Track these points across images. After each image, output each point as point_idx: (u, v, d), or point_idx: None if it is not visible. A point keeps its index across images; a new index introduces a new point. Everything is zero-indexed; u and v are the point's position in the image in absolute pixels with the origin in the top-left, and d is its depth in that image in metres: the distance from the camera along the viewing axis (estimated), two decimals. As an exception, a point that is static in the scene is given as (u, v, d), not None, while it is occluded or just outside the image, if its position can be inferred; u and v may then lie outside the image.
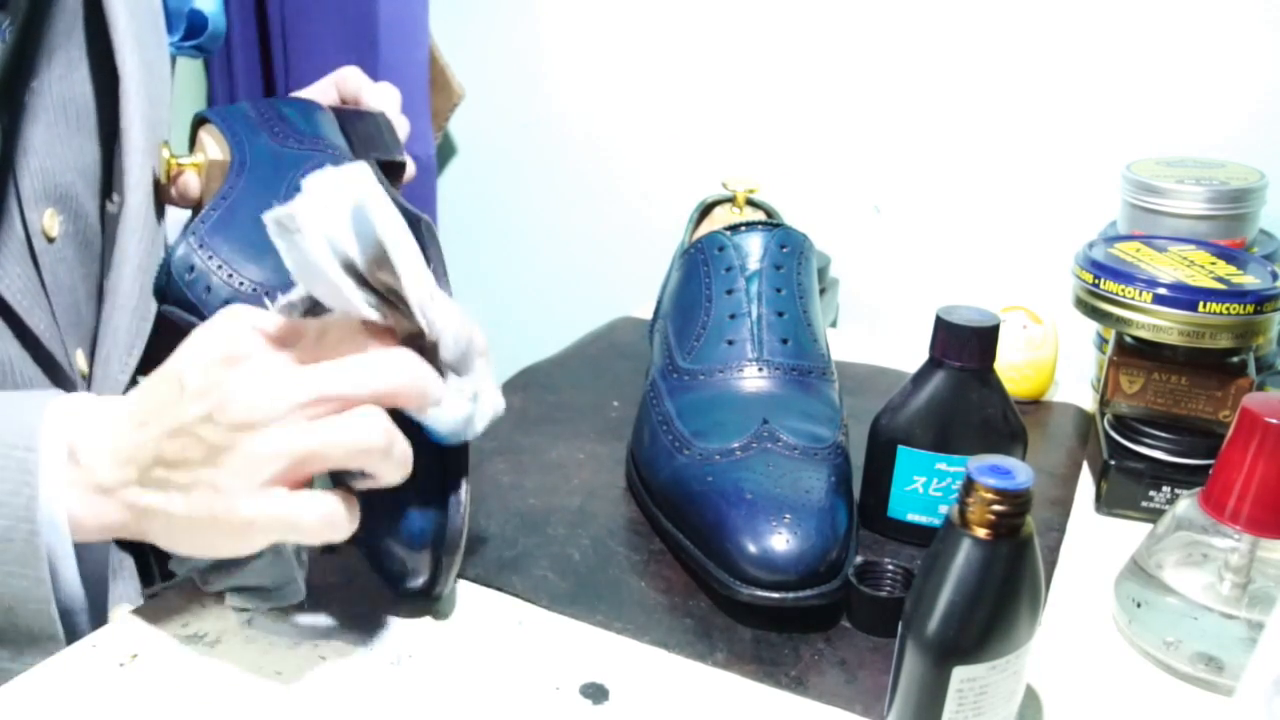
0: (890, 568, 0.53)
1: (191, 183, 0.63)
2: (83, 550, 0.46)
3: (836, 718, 0.47)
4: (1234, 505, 0.48)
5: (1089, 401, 0.78)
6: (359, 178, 0.44)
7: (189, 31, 0.71)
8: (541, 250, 1.54)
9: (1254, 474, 0.47)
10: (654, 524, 0.59)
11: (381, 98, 0.72)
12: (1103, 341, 0.78)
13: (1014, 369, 0.76)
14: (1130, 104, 1.10)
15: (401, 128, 0.71)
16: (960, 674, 0.41)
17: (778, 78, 1.30)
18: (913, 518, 0.59)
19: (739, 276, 0.64)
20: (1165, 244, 0.69)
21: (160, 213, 0.64)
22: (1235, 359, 0.63)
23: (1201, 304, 0.60)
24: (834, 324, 1.35)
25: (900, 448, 0.57)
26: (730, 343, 0.62)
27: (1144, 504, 0.63)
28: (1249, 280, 0.62)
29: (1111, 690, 0.49)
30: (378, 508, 0.49)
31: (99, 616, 0.51)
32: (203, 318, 0.57)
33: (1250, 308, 0.60)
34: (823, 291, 1.14)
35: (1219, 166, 0.81)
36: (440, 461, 0.49)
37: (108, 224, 0.63)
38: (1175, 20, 1.06)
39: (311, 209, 0.42)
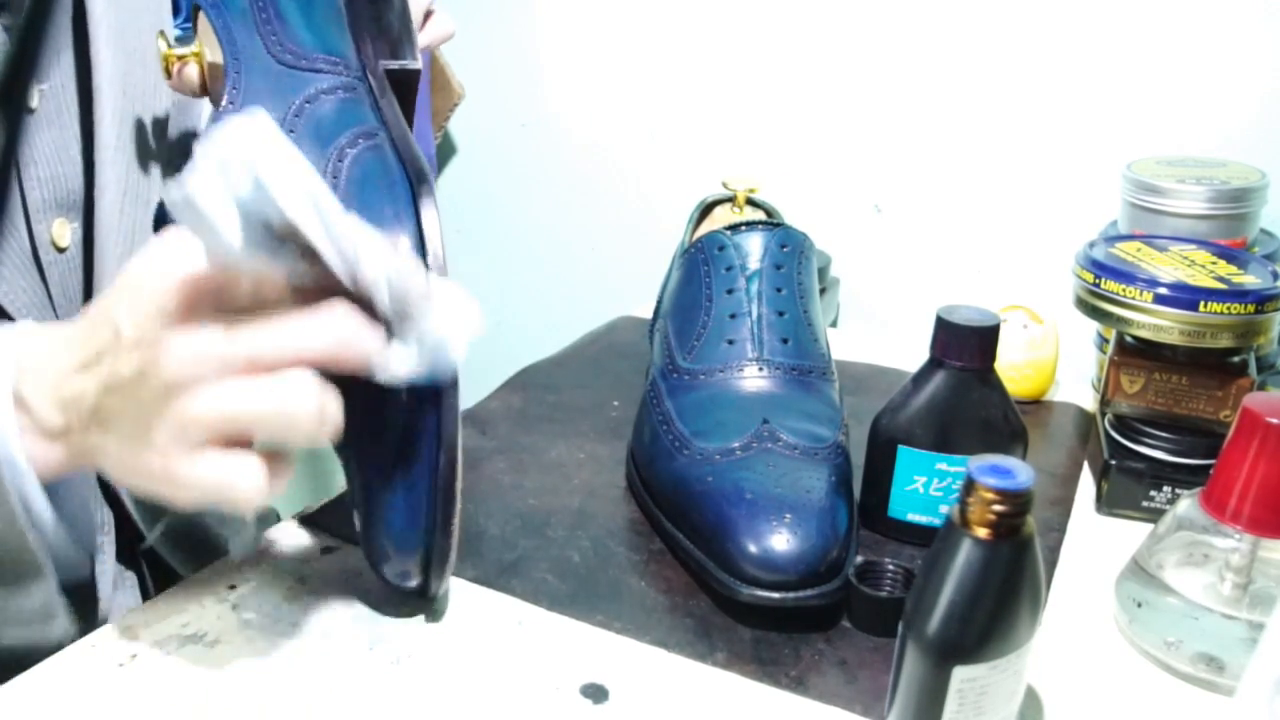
0: (890, 568, 0.53)
1: (192, 75, 0.58)
2: (55, 490, 0.45)
3: (836, 718, 0.47)
4: (1235, 505, 0.48)
5: (1089, 401, 0.78)
6: (257, 137, 0.40)
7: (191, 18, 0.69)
8: (541, 250, 1.54)
9: (1255, 474, 0.47)
10: (654, 524, 0.59)
11: None
12: (1103, 341, 0.78)
13: (1014, 369, 0.76)
14: (1130, 104, 1.10)
15: (419, 9, 0.65)
16: (960, 674, 0.41)
17: (778, 78, 1.30)
18: (913, 518, 0.59)
19: (739, 276, 0.64)
20: (1166, 244, 0.69)
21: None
22: (1236, 359, 0.63)
23: (1202, 304, 0.60)
24: (834, 324, 1.34)
25: (900, 448, 0.57)
26: (730, 342, 0.62)
27: (1144, 504, 0.63)
28: (1250, 280, 0.62)
29: (1112, 690, 0.49)
30: (373, 507, 0.49)
31: (90, 560, 0.50)
32: None
33: (1251, 307, 0.60)
34: (823, 291, 1.14)
35: (1219, 166, 0.81)
36: (433, 462, 0.48)
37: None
38: (1175, 20, 1.06)
39: (210, 187, 0.40)
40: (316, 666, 0.48)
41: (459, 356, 0.45)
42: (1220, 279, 0.62)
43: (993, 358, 0.56)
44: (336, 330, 0.42)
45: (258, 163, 0.40)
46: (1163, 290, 0.61)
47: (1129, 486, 0.63)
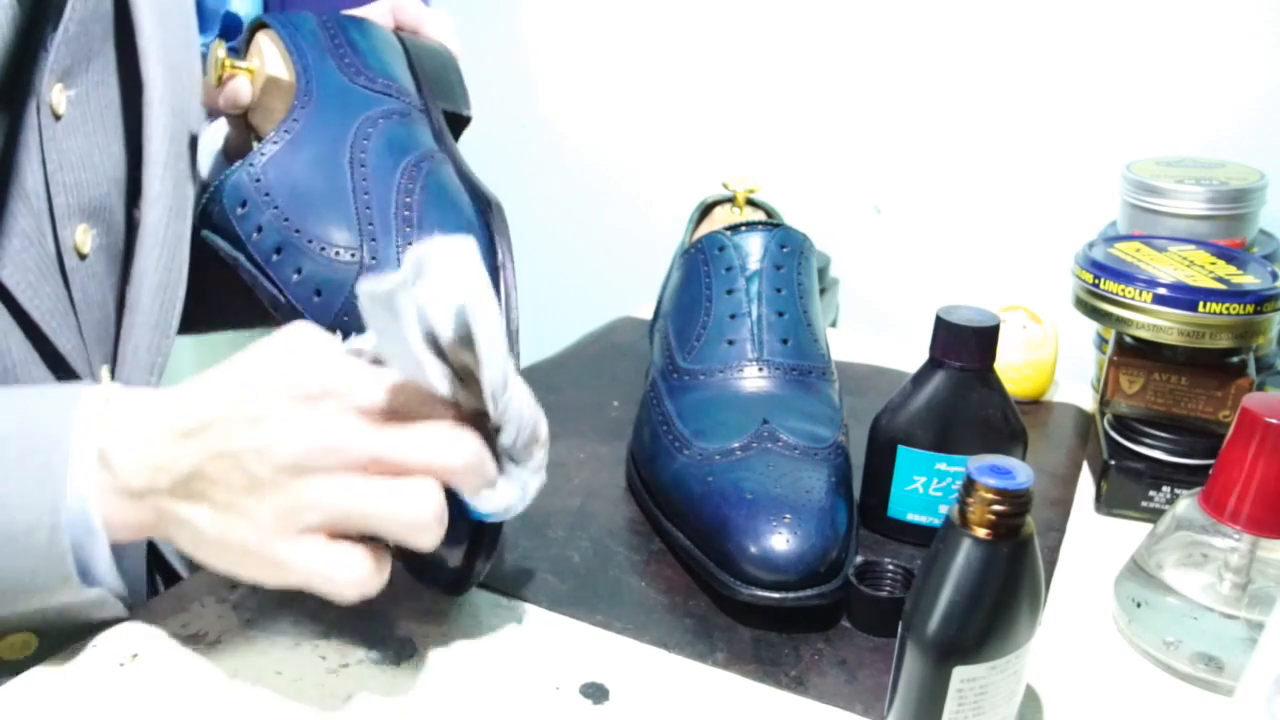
0: (890, 568, 0.53)
1: (243, 89, 0.59)
2: (120, 551, 0.45)
3: (836, 718, 0.47)
4: (1234, 505, 0.48)
5: (1089, 401, 0.79)
6: (467, 268, 0.41)
7: (224, 32, 0.69)
8: (541, 250, 1.54)
9: (1254, 474, 0.47)
10: (654, 524, 0.59)
11: (441, 28, 0.68)
12: (1103, 341, 0.78)
13: (1014, 369, 0.76)
14: (1130, 104, 1.10)
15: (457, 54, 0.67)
16: (960, 674, 0.41)
17: (778, 78, 1.30)
18: (913, 518, 0.59)
19: (739, 276, 0.64)
20: (1165, 244, 0.69)
21: (191, 207, 0.61)
22: (1235, 359, 0.63)
23: (1201, 304, 0.60)
24: (834, 324, 1.35)
25: (900, 448, 0.57)
26: (730, 343, 0.62)
27: (1144, 504, 0.63)
28: (1249, 280, 0.62)
29: (1111, 690, 0.49)
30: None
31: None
32: (249, 257, 0.55)
33: (1250, 308, 0.60)
34: (823, 291, 1.14)
35: (1219, 166, 0.81)
36: None
37: (132, 233, 0.60)
38: (1175, 20, 1.06)
39: (412, 294, 0.40)
40: (317, 666, 0.48)
41: (519, 510, 0.46)
42: (1219, 279, 0.62)
43: (992, 358, 0.56)
44: (470, 451, 0.42)
45: (469, 297, 0.40)
46: (1162, 290, 0.61)
47: (1128, 486, 0.63)
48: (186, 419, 0.43)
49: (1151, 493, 0.62)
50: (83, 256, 0.56)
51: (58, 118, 0.53)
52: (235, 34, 0.69)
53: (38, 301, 0.52)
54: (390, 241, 0.54)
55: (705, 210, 0.77)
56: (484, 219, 0.56)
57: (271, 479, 0.41)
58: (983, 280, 1.24)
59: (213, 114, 0.65)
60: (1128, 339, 0.65)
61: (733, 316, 0.63)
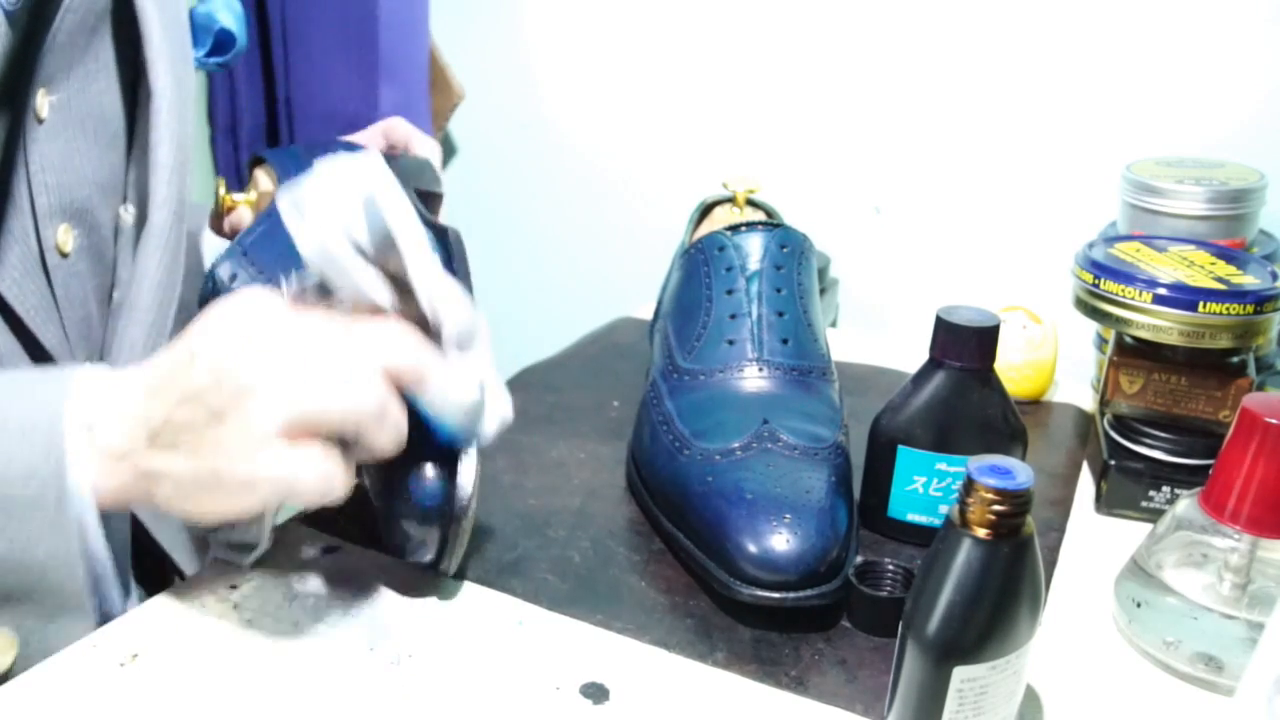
0: (890, 568, 0.53)
1: (245, 218, 0.66)
2: (106, 523, 0.47)
3: (836, 718, 0.47)
4: (1234, 505, 0.48)
5: (1089, 401, 0.79)
6: (371, 165, 0.45)
7: (215, 48, 0.72)
8: (541, 250, 1.54)
9: (1254, 474, 0.47)
10: (654, 524, 0.59)
11: (427, 147, 0.76)
12: (1103, 341, 0.78)
13: (1014, 369, 0.76)
14: (1130, 104, 1.10)
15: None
16: (960, 674, 0.41)
17: (778, 78, 1.30)
18: (913, 518, 0.59)
19: (739, 276, 0.64)
20: (1165, 244, 0.69)
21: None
22: (1235, 359, 0.63)
23: (1201, 304, 0.60)
24: (834, 324, 1.35)
25: (900, 448, 0.57)
26: (730, 343, 0.62)
27: (1144, 504, 0.63)
28: (1249, 280, 0.62)
29: (1111, 690, 0.49)
30: (391, 479, 0.50)
31: (125, 595, 0.52)
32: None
33: (1250, 308, 0.60)
34: (823, 291, 1.14)
35: (1219, 167, 0.81)
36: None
37: (120, 233, 0.63)
38: (1175, 20, 1.06)
39: (323, 192, 0.45)
40: (316, 666, 0.48)
41: (490, 430, 0.50)
42: (1219, 279, 0.62)
43: (992, 358, 0.56)
44: (410, 343, 0.46)
45: (376, 187, 0.45)
46: (1162, 291, 0.61)
47: (1128, 486, 0.63)
48: (154, 378, 0.46)
49: (1151, 493, 0.62)
50: (64, 255, 0.58)
51: (40, 121, 0.55)
52: (227, 50, 0.73)
53: (22, 298, 0.55)
54: None
55: (705, 210, 0.77)
56: (443, 243, 0.60)
57: (230, 404, 0.44)
58: (983, 280, 1.24)
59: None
60: (1128, 339, 0.65)
61: (733, 316, 0.63)
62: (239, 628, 0.50)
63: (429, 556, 0.52)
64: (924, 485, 0.58)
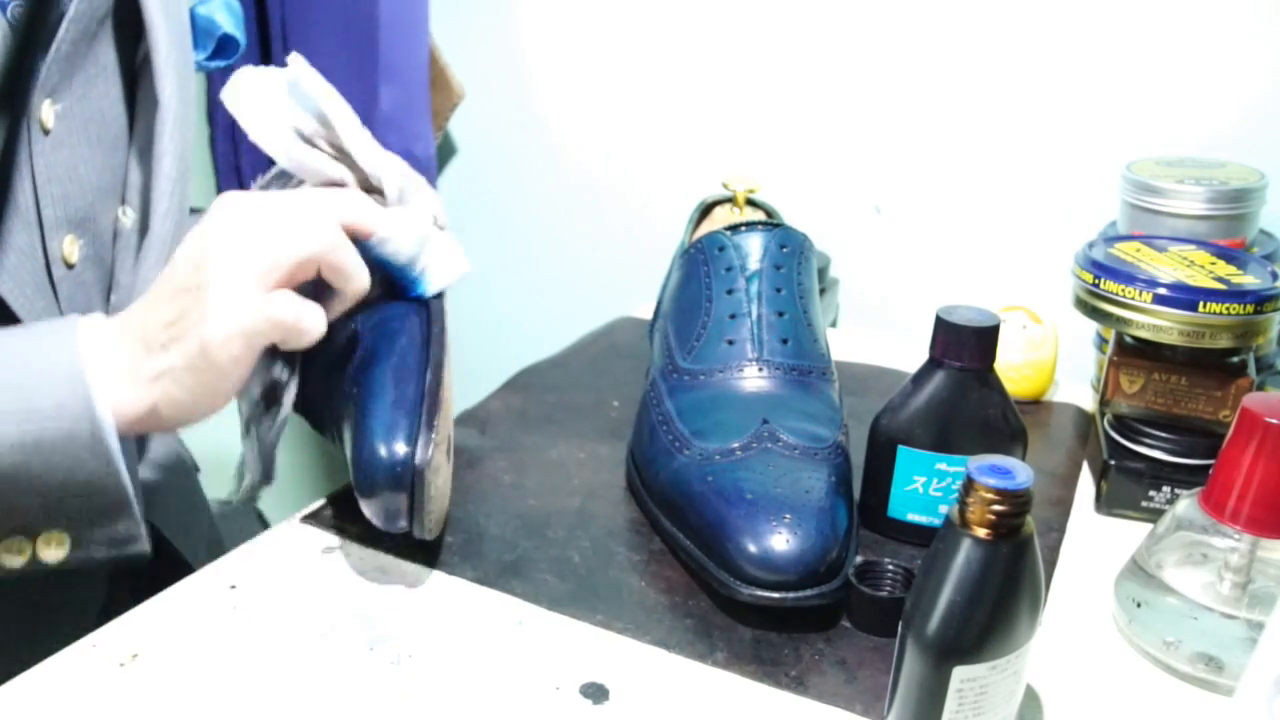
0: (890, 568, 0.53)
1: None
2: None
3: (836, 718, 0.47)
4: (1234, 505, 0.48)
5: (1089, 401, 0.78)
6: (291, 62, 0.54)
7: (217, 50, 0.72)
8: (541, 250, 1.54)
9: (1254, 474, 0.47)
10: (654, 524, 0.59)
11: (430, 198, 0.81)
12: (1103, 341, 0.78)
13: (1014, 369, 0.76)
14: (1130, 104, 1.10)
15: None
16: (960, 674, 0.41)
17: (777, 78, 1.30)
18: (913, 518, 0.59)
19: (739, 276, 0.64)
20: (1165, 244, 0.69)
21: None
22: (1235, 359, 0.63)
23: (1201, 304, 0.60)
24: (834, 324, 1.34)
25: (900, 448, 0.57)
26: (730, 343, 0.62)
27: (1144, 504, 0.63)
28: (1249, 280, 0.62)
29: (1111, 690, 0.49)
30: (363, 419, 0.52)
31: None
32: None
33: (1250, 308, 0.60)
34: (823, 291, 1.14)
35: (1219, 166, 0.81)
36: (414, 408, 0.52)
37: (119, 236, 0.63)
38: (1175, 20, 1.06)
39: (253, 79, 0.55)
40: (316, 666, 0.48)
41: (449, 276, 0.58)
42: (1219, 279, 0.62)
43: (992, 358, 0.56)
44: (356, 197, 0.53)
45: (298, 73, 0.54)
46: (1162, 290, 0.61)
47: (1128, 486, 0.63)
48: (145, 297, 0.50)
49: (1151, 493, 0.62)
50: (70, 266, 0.58)
51: (46, 132, 0.56)
52: (230, 54, 0.72)
53: (31, 313, 0.55)
54: None
55: (705, 210, 0.77)
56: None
57: (205, 277, 0.47)
58: (983, 280, 1.24)
59: None
60: (1128, 339, 0.65)
61: (733, 316, 0.63)
62: (239, 627, 0.50)
63: (402, 523, 0.51)
64: (924, 485, 0.58)
